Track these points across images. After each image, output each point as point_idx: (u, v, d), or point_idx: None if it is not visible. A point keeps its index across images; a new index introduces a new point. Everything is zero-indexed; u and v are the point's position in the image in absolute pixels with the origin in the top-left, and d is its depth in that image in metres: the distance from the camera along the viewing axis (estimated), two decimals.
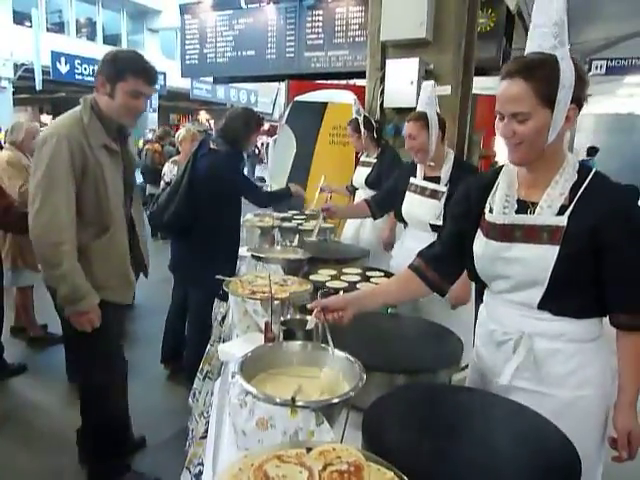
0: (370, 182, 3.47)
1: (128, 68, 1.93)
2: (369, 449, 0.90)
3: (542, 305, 1.22)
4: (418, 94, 2.42)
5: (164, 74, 16.62)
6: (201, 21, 7.02)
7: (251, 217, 3.15)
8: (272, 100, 19.21)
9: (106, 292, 2.03)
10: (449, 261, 1.43)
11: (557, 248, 1.17)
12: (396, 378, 1.21)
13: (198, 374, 2.43)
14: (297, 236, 2.46)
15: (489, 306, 1.39)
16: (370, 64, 4.10)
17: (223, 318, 2.29)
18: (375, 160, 3.52)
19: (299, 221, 3.08)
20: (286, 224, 2.91)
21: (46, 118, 19.84)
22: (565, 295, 1.20)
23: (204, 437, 1.44)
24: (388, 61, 3.83)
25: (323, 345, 1.19)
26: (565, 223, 1.17)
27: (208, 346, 2.41)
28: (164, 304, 3.37)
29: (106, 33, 17.47)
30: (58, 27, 16.20)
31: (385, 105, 3.92)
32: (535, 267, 1.20)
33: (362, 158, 3.69)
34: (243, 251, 2.43)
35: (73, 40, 16.07)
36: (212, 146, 3.03)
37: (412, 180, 2.46)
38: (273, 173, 4.96)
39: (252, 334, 1.60)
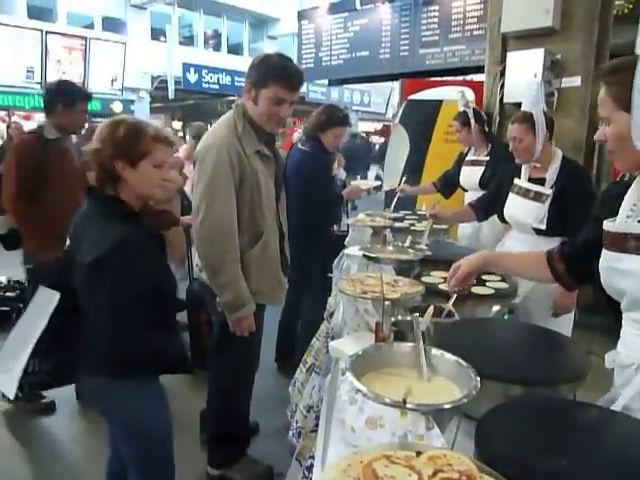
0: (484, 183, 3.25)
1: (271, 74, 1.92)
2: (481, 460, 0.86)
3: None
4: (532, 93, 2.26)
5: None
6: (317, 25, 7.22)
7: (363, 217, 3.16)
8: (385, 100, 19.22)
9: (260, 296, 2.12)
10: (579, 262, 1.35)
11: None
12: (513, 388, 1.14)
13: (301, 365, 2.49)
14: (409, 237, 2.42)
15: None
16: (489, 58, 3.92)
17: (331, 314, 2.33)
18: (487, 158, 3.30)
19: (411, 221, 3.04)
20: (398, 224, 2.89)
21: (177, 124, 21.70)
22: None
23: (314, 431, 1.48)
24: (509, 54, 3.64)
25: (435, 348, 1.17)
26: None
27: (314, 339, 2.46)
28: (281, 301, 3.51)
29: (230, 43, 18.66)
30: (188, 40, 17.64)
31: (505, 100, 3.73)
32: None
33: (470, 157, 3.46)
34: (354, 250, 2.45)
35: (201, 51, 17.40)
36: (300, 146, 3.14)
37: (516, 181, 2.34)
38: (386, 173, 4.94)
39: (362, 333, 1.61)
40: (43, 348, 1.48)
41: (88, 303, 1.48)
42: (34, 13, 13.71)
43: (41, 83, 13.12)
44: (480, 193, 3.22)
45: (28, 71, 12.94)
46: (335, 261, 2.67)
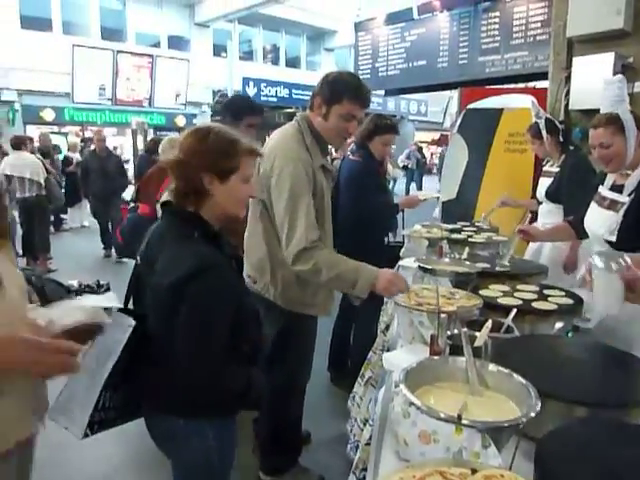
0: (550, 194, 3.13)
1: (346, 92, 1.96)
2: None
3: None
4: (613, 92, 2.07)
5: None
6: (374, 36, 7.24)
7: (419, 228, 3.11)
8: (442, 109, 18.97)
9: (314, 309, 2.16)
10: None
11: None
12: (577, 409, 1.08)
13: (359, 379, 2.49)
14: (466, 249, 2.35)
15: None
16: (553, 64, 3.78)
17: (387, 327, 2.31)
18: (557, 169, 3.16)
19: (469, 233, 2.96)
20: (455, 236, 2.82)
21: None
22: None
23: (369, 444, 1.46)
24: (575, 59, 3.50)
25: (492, 364, 1.12)
26: None
27: (370, 353, 2.45)
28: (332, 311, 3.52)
29: (287, 56, 19.08)
30: (248, 55, 18.21)
31: (571, 107, 3.58)
32: None
33: (545, 167, 3.33)
34: (410, 262, 2.41)
35: (260, 65, 17.92)
36: (350, 157, 3.14)
37: (600, 188, 2.14)
38: (444, 183, 4.85)
39: (417, 345, 1.58)
40: (114, 381, 1.30)
41: (161, 330, 1.32)
42: (106, 34, 14.64)
43: (112, 100, 13.95)
44: (552, 205, 3.15)
45: (100, 88, 13.81)
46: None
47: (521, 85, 6.08)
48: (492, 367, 1.12)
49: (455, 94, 6.11)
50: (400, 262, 2.62)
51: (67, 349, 1.02)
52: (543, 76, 4.34)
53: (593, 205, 2.14)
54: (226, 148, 1.36)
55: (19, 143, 6.32)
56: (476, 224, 3.33)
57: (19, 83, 12.74)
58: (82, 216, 9.65)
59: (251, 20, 16.58)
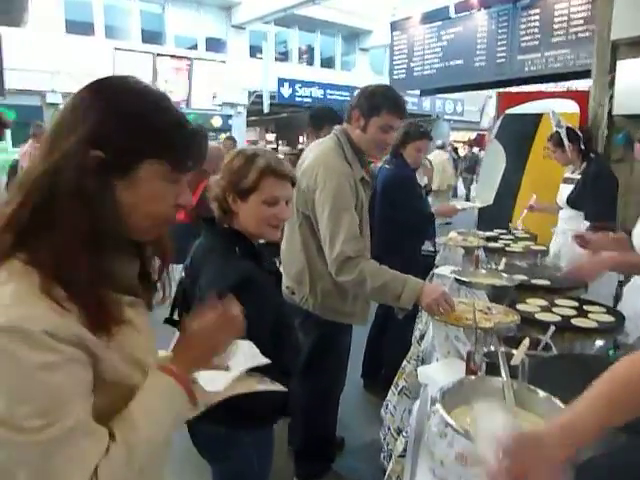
0: (571, 200, 3.19)
1: (384, 104, 2.01)
2: None
3: None
4: None
5: None
6: (409, 36, 7.18)
7: (454, 235, 3.08)
8: (479, 108, 18.61)
9: (352, 318, 2.19)
10: None
11: None
12: (617, 435, 1.06)
13: (393, 388, 2.49)
14: (503, 259, 2.32)
15: None
16: (596, 67, 3.67)
17: (422, 337, 2.30)
18: (579, 176, 3.22)
19: (506, 242, 2.90)
20: (492, 244, 2.77)
21: (270, 136, 22.55)
22: None
23: (402, 456, 1.47)
24: (619, 62, 3.39)
25: (529, 386, 1.12)
26: None
27: (404, 362, 2.44)
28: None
29: (322, 57, 19.08)
30: (283, 56, 18.32)
31: (614, 112, 3.48)
32: None
33: (566, 174, 3.40)
34: (445, 270, 2.40)
35: (295, 66, 17.98)
36: (385, 166, 3.12)
37: None
38: (480, 188, 4.79)
39: (453, 360, 1.58)
40: None
41: None
42: (146, 37, 14.99)
43: None
44: (573, 212, 3.19)
45: None
46: (425, 281, 2.62)
47: (562, 88, 5.91)
48: (529, 389, 1.11)
49: (493, 94, 6.00)
50: (436, 270, 2.60)
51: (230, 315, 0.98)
52: (584, 75, 4.22)
53: None
54: (242, 168, 1.41)
55: None
56: (513, 231, 3.28)
57: (63, 86, 13.17)
58: None
59: (287, 21, 16.65)
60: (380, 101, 2.00)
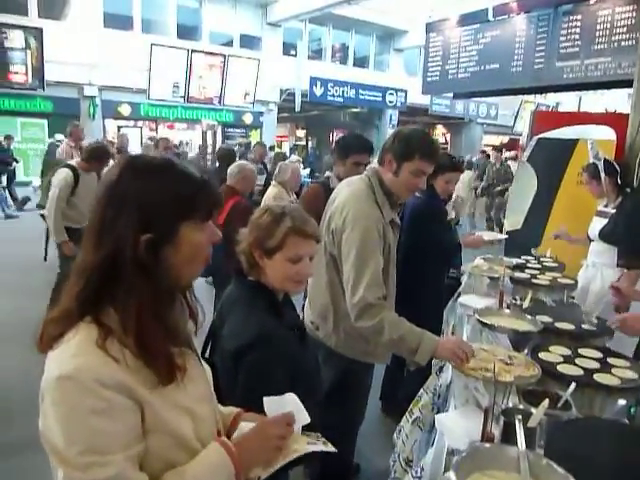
0: (604, 234, 3.10)
1: (418, 150, 1.99)
2: None
3: None
4: None
5: (405, 92, 17.23)
6: (445, 38, 7.02)
7: (480, 262, 2.96)
8: (513, 113, 18.16)
9: (375, 357, 2.19)
10: None
11: None
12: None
13: (407, 415, 2.42)
14: (529, 293, 2.19)
15: None
16: (637, 91, 3.46)
17: (441, 368, 2.23)
18: (613, 210, 3.13)
19: (533, 271, 2.75)
20: (518, 275, 2.63)
21: (300, 133, 22.57)
22: None
23: None
24: None
25: (545, 458, 1.02)
26: None
27: (421, 390, 2.37)
28: None
29: (356, 56, 18.94)
30: (316, 54, 18.25)
31: None
32: None
33: (599, 207, 3.30)
34: (470, 300, 2.29)
35: (328, 65, 17.91)
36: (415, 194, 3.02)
37: None
38: (510, 212, 4.64)
39: (470, 408, 1.53)
40: None
41: (227, 390, 1.32)
42: (182, 33, 15.16)
43: (184, 97, 14.45)
44: (605, 246, 3.13)
45: (174, 86, 14.33)
46: (447, 308, 2.53)
47: (599, 111, 5.68)
48: (545, 462, 1.04)
49: (528, 99, 5.81)
50: (460, 299, 2.53)
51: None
52: (625, 84, 4.03)
53: None
54: (269, 228, 1.45)
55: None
56: (541, 259, 3.14)
57: (100, 79, 13.47)
58: None
59: (322, 19, 16.58)
60: (414, 146, 1.99)
